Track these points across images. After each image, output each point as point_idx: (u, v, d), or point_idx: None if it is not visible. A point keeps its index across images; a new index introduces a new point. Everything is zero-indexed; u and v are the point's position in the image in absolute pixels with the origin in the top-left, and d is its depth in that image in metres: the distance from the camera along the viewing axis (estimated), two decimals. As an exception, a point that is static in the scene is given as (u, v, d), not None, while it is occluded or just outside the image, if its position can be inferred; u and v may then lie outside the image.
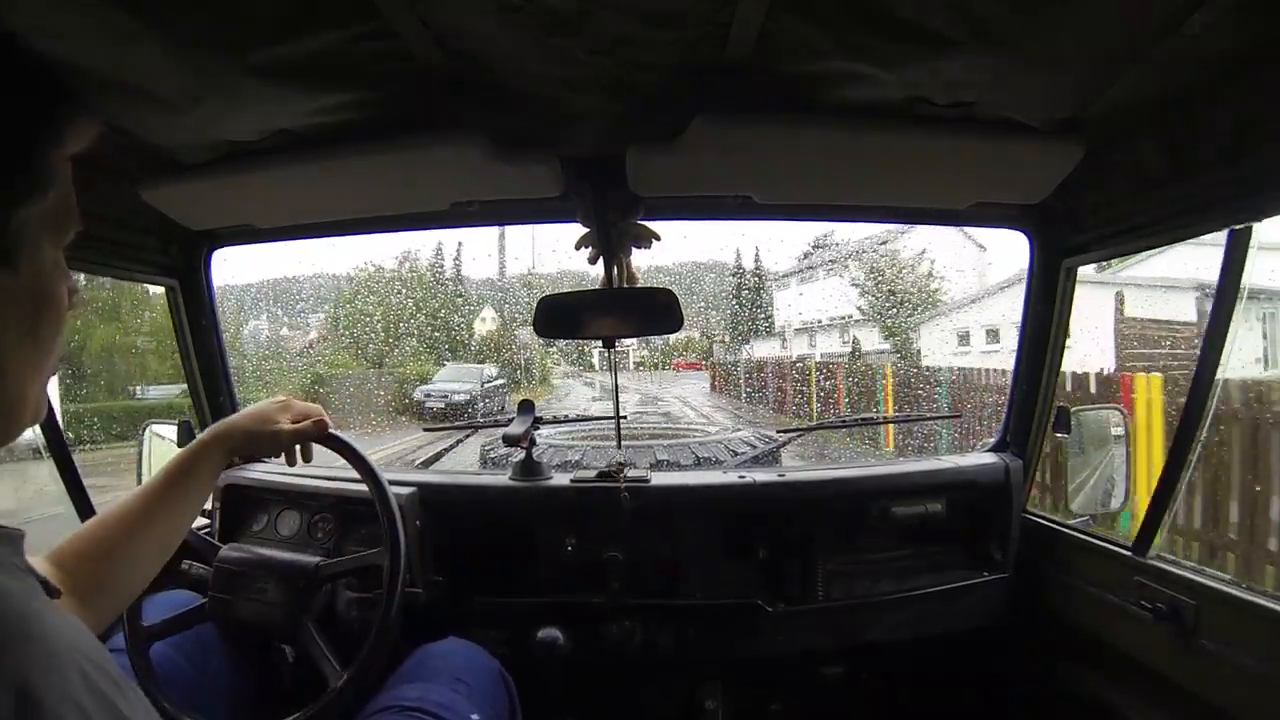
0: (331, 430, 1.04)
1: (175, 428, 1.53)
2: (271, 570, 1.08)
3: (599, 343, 1.45)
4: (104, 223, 1.21)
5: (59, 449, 1.26)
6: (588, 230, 1.31)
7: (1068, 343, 1.41)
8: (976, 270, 15.28)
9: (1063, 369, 1.44)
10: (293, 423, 0.98)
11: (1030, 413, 1.47)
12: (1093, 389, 4.83)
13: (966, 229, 9.66)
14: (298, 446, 1.00)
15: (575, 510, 1.41)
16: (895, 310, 15.03)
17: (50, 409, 1.22)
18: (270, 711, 1.00)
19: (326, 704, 0.97)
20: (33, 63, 0.41)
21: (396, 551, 1.06)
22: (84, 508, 1.31)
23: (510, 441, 1.43)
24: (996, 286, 13.08)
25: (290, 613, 1.06)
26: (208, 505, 1.50)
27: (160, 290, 1.49)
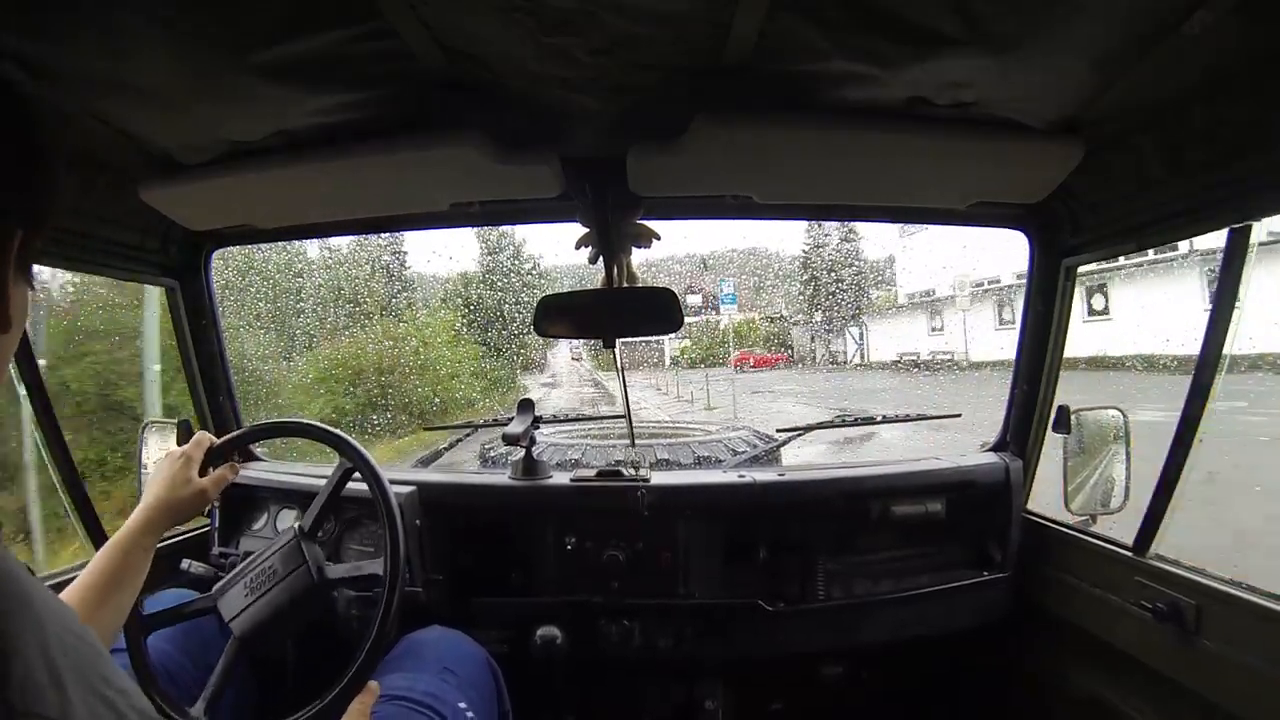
0: (282, 421, 1.11)
1: (174, 427, 1.53)
2: (265, 556, 1.08)
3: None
4: (104, 223, 1.21)
5: (61, 455, 1.26)
6: (588, 230, 1.31)
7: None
8: None
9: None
10: (201, 471, 1.02)
11: (1030, 412, 1.47)
12: None
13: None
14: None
15: (575, 510, 1.41)
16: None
17: (52, 414, 1.24)
18: (275, 710, 1.00)
19: (325, 707, 0.96)
20: (29, 114, 0.46)
21: (396, 551, 1.06)
22: (94, 531, 1.31)
23: (510, 441, 1.43)
24: None
25: (309, 567, 1.05)
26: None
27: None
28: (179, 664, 1.05)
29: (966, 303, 9.64)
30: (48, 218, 0.46)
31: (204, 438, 1.05)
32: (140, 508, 0.95)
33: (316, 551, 1.07)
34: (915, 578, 1.43)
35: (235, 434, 1.10)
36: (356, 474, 1.12)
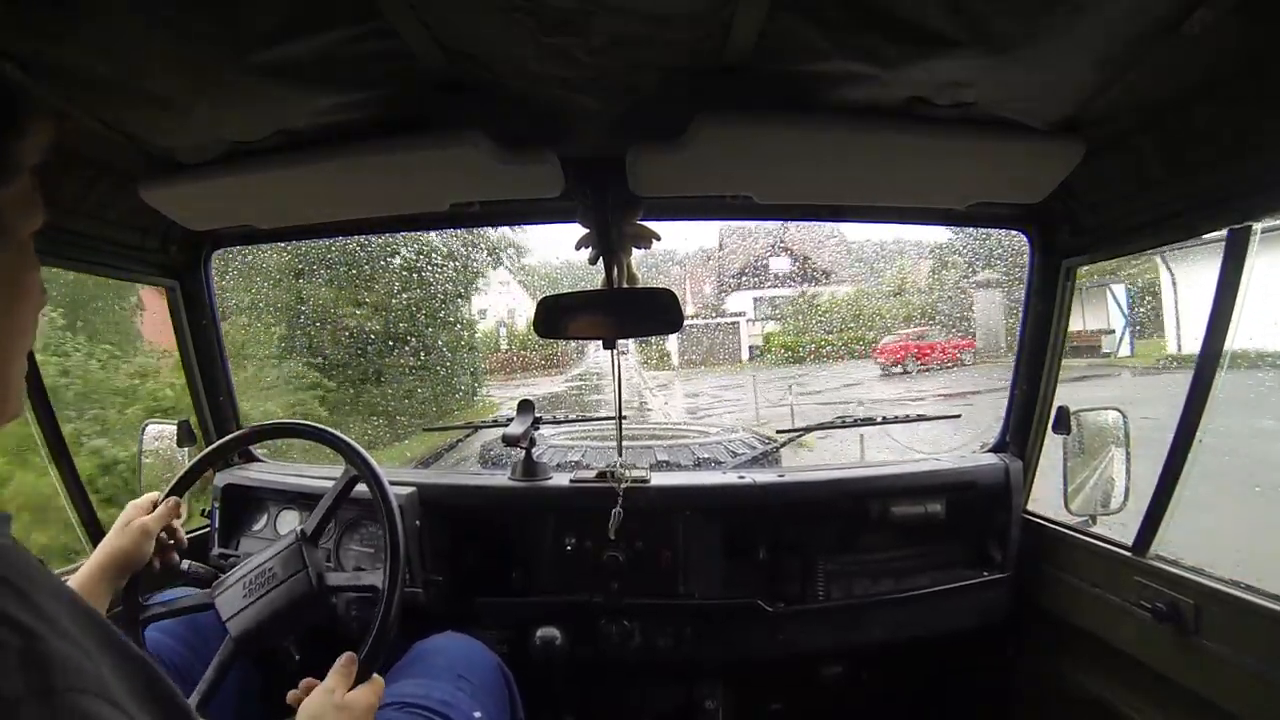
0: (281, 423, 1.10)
1: (174, 428, 1.53)
2: (265, 558, 1.08)
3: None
4: (104, 223, 1.20)
5: (59, 452, 1.26)
6: (588, 230, 1.31)
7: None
8: None
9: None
10: (147, 513, 1.01)
11: (1030, 413, 1.47)
12: None
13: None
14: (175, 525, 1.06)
15: (575, 510, 1.41)
16: None
17: (51, 411, 1.23)
18: (276, 710, 1.00)
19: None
20: None
21: (396, 551, 1.06)
22: (94, 531, 1.31)
23: (510, 442, 1.43)
24: None
25: (309, 573, 1.05)
26: (205, 507, 1.50)
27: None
28: (190, 665, 1.05)
29: None
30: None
31: (151, 499, 1.05)
32: (91, 560, 0.97)
33: (318, 557, 1.07)
34: (915, 578, 1.43)
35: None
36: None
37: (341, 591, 1.07)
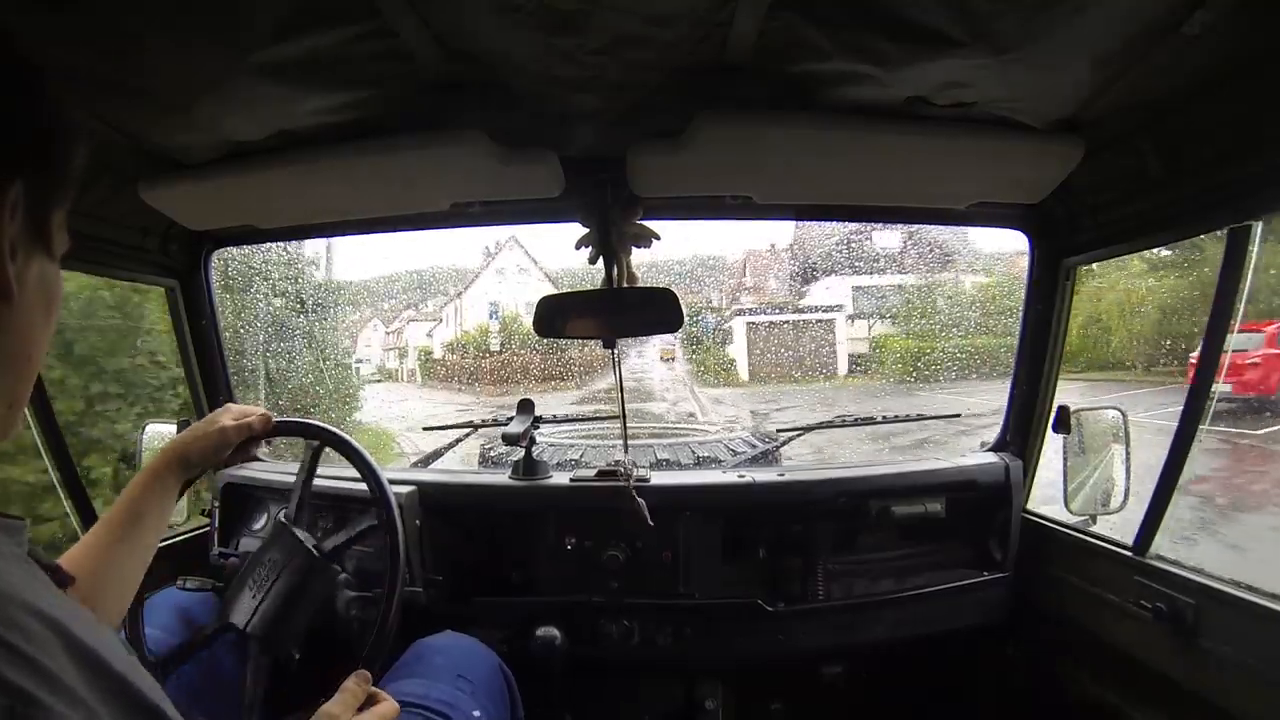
0: (282, 420, 1.06)
1: (174, 428, 1.53)
2: (262, 553, 1.08)
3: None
4: (104, 223, 1.21)
5: (59, 451, 1.26)
6: (588, 230, 1.31)
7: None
8: None
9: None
10: (234, 420, 0.97)
11: (1030, 412, 1.47)
12: None
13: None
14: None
15: (575, 510, 1.41)
16: None
17: (49, 410, 1.23)
18: (276, 712, 1.00)
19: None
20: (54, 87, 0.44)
21: (396, 551, 1.06)
22: (84, 509, 1.31)
23: (510, 441, 1.43)
24: None
25: (307, 545, 1.06)
26: (205, 507, 1.50)
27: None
28: (184, 667, 1.05)
29: None
30: (52, 173, 0.44)
31: (257, 410, 1.00)
32: (167, 444, 0.93)
33: (305, 534, 1.09)
34: (915, 578, 1.43)
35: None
36: (356, 474, 1.12)
37: (344, 549, 1.10)
